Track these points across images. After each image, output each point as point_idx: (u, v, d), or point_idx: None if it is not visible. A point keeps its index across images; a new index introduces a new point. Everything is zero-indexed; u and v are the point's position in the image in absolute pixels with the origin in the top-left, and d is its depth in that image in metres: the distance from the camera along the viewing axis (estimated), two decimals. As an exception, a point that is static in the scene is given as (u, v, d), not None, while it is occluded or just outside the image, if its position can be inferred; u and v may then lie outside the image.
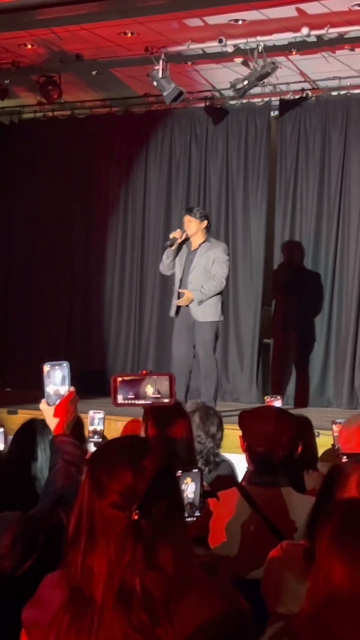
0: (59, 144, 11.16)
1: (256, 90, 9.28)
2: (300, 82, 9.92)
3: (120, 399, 2.71)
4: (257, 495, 3.22)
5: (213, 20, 8.27)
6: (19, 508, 2.48)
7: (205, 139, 10.56)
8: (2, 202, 11.53)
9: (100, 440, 4.60)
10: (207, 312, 8.08)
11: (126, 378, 2.73)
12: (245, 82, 8.78)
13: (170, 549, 1.81)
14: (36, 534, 2.39)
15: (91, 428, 4.69)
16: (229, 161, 10.42)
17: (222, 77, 9.67)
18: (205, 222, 8.21)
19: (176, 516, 1.87)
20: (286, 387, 9.89)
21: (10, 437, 3.22)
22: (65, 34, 8.77)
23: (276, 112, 10.26)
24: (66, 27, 8.58)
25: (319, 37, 8.35)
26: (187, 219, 8.20)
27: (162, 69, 8.89)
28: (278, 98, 10.16)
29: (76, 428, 2.87)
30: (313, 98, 9.99)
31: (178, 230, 8.28)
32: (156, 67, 8.90)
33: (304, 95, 10.00)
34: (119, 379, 2.71)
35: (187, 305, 8.12)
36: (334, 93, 9.91)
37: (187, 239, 8.23)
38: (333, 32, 8.21)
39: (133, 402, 2.72)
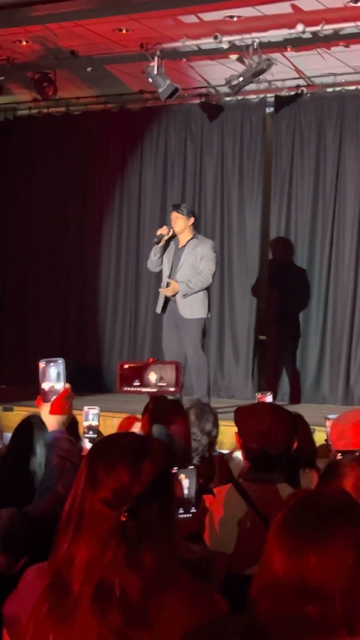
0: (54, 140, 11.15)
1: (251, 86, 9.28)
2: (296, 78, 9.92)
3: (125, 385, 2.70)
4: (253, 491, 3.23)
5: (208, 16, 8.27)
6: (17, 503, 2.48)
7: (200, 136, 10.56)
8: (-3, 198, 11.53)
9: (96, 436, 4.60)
10: (194, 309, 8.11)
11: (132, 365, 2.72)
12: (241, 79, 8.78)
13: (154, 553, 1.80)
14: (31, 530, 2.39)
15: (86, 424, 4.68)
16: (224, 158, 10.42)
17: (218, 74, 9.66)
18: (192, 218, 8.25)
19: (166, 520, 1.86)
20: (281, 384, 9.91)
21: (6, 434, 3.22)
22: (60, 30, 8.76)
23: (271, 109, 10.27)
24: (61, 23, 8.57)
25: (314, 33, 8.35)
26: (175, 215, 8.23)
27: (158, 66, 8.88)
28: (273, 95, 10.18)
29: (71, 426, 2.87)
30: (308, 95, 10.00)
31: (165, 227, 8.33)
32: (151, 64, 8.90)
33: (299, 91, 10.01)
34: (125, 365, 2.70)
35: (174, 301, 8.14)
36: (329, 89, 9.92)
37: (174, 236, 8.26)
38: (328, 28, 8.22)
39: (138, 389, 2.71)
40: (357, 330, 9.61)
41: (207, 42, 8.63)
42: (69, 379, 2.76)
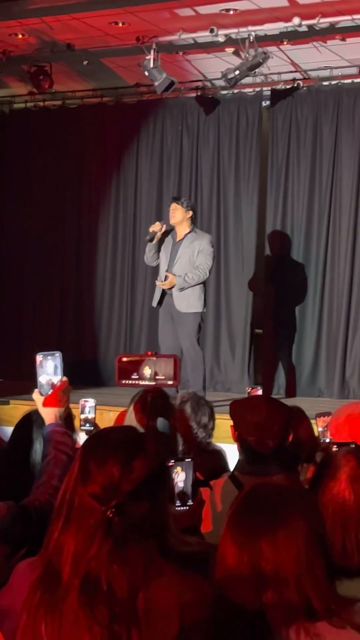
0: (50, 134, 11.13)
1: (247, 80, 9.27)
2: (292, 72, 9.91)
3: (123, 378, 2.70)
4: (249, 484, 3.23)
5: (204, 9, 8.26)
6: (16, 497, 2.49)
7: (196, 129, 10.55)
8: (-7, 192, 11.52)
9: (92, 429, 4.61)
10: (190, 304, 8.13)
11: (131, 358, 2.72)
12: (237, 72, 8.77)
13: (141, 550, 1.81)
14: (28, 523, 2.40)
15: (82, 416, 4.70)
16: (221, 151, 10.41)
17: (214, 67, 9.66)
18: (191, 212, 8.31)
19: (156, 516, 1.86)
20: (277, 377, 9.92)
21: (3, 428, 3.24)
22: (56, 23, 8.74)
23: (267, 102, 10.26)
24: (57, 16, 8.55)
25: (310, 27, 8.34)
26: (174, 206, 8.28)
27: (154, 59, 8.88)
28: (269, 88, 10.16)
29: (67, 420, 2.88)
30: (304, 88, 9.99)
31: (157, 223, 8.36)
32: (147, 57, 8.89)
33: (295, 85, 10.00)
34: (124, 359, 2.71)
35: (170, 295, 8.17)
36: (325, 83, 9.91)
37: (169, 231, 8.31)
38: (324, 22, 8.20)
39: (137, 382, 2.72)
40: (353, 324, 9.63)
41: (203, 36, 8.61)
42: (65, 372, 2.77)
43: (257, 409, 3.35)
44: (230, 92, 10.20)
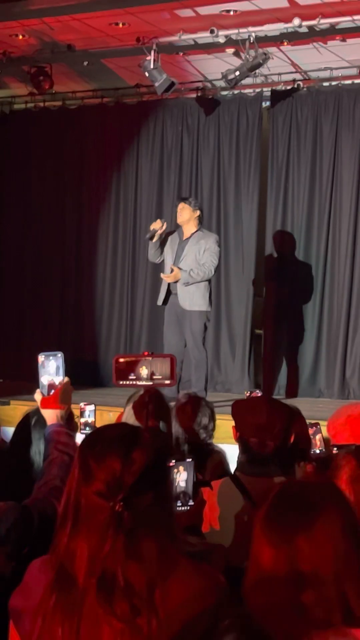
0: (50, 134, 11.13)
1: (248, 80, 9.27)
2: (292, 72, 9.91)
3: (121, 379, 2.71)
4: (250, 484, 3.24)
5: (204, 10, 8.26)
6: (18, 497, 2.49)
7: (196, 130, 10.55)
8: (-6, 192, 11.52)
9: (92, 432, 4.60)
10: (194, 302, 8.13)
11: (128, 359, 2.72)
12: (237, 73, 8.77)
13: (153, 541, 1.82)
14: (30, 524, 2.40)
15: (82, 420, 4.70)
16: (221, 152, 10.41)
17: (214, 68, 9.66)
18: (198, 212, 8.37)
19: (162, 508, 1.87)
20: (278, 378, 9.92)
21: (4, 428, 3.24)
22: (56, 24, 8.75)
23: (268, 103, 10.26)
24: (57, 17, 8.56)
25: (310, 27, 8.35)
26: (181, 206, 8.33)
27: (154, 60, 8.88)
28: (269, 89, 10.16)
29: (68, 420, 2.88)
30: (304, 89, 9.99)
31: (158, 220, 8.38)
32: (148, 58, 8.88)
33: (296, 86, 10.00)
34: (121, 359, 2.71)
35: (175, 294, 8.16)
36: (326, 84, 9.92)
37: (173, 231, 8.32)
38: (324, 22, 8.21)
39: (134, 382, 2.72)
40: (353, 324, 9.63)
41: (204, 36, 8.61)
42: (66, 372, 2.77)
43: (258, 410, 3.35)
44: (231, 92, 10.20)
